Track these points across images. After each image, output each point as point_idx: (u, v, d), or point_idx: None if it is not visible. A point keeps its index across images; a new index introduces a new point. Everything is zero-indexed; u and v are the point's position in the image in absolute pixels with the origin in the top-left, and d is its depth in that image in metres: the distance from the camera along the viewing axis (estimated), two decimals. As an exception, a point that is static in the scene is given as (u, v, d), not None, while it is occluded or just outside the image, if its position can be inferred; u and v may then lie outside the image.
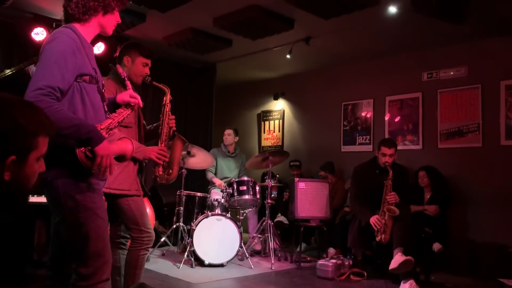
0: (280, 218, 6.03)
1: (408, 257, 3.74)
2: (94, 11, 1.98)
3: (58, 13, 4.77)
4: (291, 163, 6.45)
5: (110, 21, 2.06)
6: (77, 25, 1.98)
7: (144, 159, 2.68)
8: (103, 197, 2.05)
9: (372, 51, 5.81)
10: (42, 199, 3.56)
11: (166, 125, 2.80)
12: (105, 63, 2.84)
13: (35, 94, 1.73)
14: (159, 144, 2.77)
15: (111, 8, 2.02)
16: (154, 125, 3.00)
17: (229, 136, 5.77)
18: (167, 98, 2.83)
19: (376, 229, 4.10)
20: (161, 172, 2.77)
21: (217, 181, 5.50)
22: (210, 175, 5.65)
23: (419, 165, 5.17)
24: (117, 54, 5.10)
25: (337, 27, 4.90)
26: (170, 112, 2.83)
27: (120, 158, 2.00)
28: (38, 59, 1.89)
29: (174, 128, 2.85)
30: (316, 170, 6.21)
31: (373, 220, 4.12)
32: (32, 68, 4.09)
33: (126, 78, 2.38)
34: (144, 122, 2.95)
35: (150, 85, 2.84)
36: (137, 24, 4.91)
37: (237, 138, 5.85)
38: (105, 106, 2.07)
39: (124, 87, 2.73)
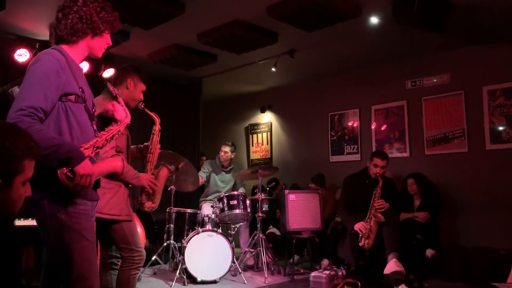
0: (272, 229, 6.00)
1: (401, 269, 3.81)
2: (83, 33, 1.98)
3: (41, 34, 4.78)
4: (268, 186, 6.32)
5: (99, 44, 2.06)
6: (65, 47, 1.98)
7: (138, 185, 2.72)
8: (93, 218, 2.01)
9: (356, 61, 5.88)
10: (29, 222, 3.50)
11: (156, 154, 2.84)
12: (90, 82, 2.84)
13: (16, 115, 1.72)
14: (148, 172, 2.80)
15: (100, 31, 2.02)
16: (140, 146, 3.02)
17: (225, 154, 5.67)
18: (157, 127, 2.86)
19: (360, 235, 4.15)
20: (144, 200, 2.81)
21: (200, 179, 5.43)
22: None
23: (407, 173, 5.21)
24: (102, 72, 5.10)
25: (321, 39, 4.95)
26: (157, 142, 2.87)
27: (113, 176, 1.97)
28: (22, 81, 1.87)
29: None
30: (305, 182, 6.22)
31: (358, 226, 4.20)
32: (15, 90, 4.05)
33: (118, 95, 2.36)
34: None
35: (142, 111, 2.87)
36: (121, 42, 4.90)
37: (234, 154, 5.78)
38: (94, 125, 2.04)
39: None
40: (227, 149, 5.68)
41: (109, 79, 2.91)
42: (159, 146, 2.89)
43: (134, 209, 2.85)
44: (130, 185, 2.74)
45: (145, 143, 3.00)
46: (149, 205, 2.84)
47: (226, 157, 5.69)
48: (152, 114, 2.87)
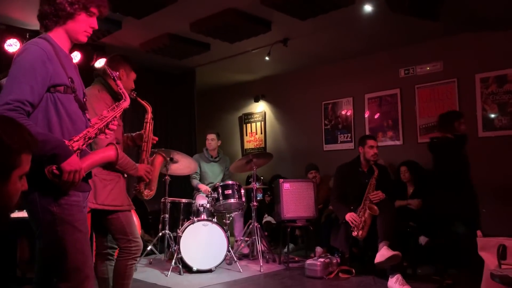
0: (268, 218, 6.03)
1: (396, 252, 3.76)
2: (53, 16, 1.91)
3: (31, 23, 4.71)
4: (273, 184, 6.19)
5: (76, 28, 1.95)
6: (51, 34, 1.93)
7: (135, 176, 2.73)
8: (85, 209, 1.99)
9: (349, 50, 5.87)
10: (24, 214, 3.49)
11: (150, 143, 2.84)
12: (82, 72, 2.82)
13: (2, 110, 1.68)
14: (144, 161, 2.80)
15: (67, 13, 1.90)
16: (132, 135, 3.00)
17: (212, 141, 5.71)
18: (149, 116, 2.85)
19: (352, 226, 4.16)
20: (142, 189, 2.81)
21: (202, 187, 5.47)
22: (195, 182, 5.61)
23: (400, 161, 5.24)
24: (93, 62, 5.05)
25: (314, 28, 4.93)
26: (151, 130, 2.87)
27: (109, 165, 1.95)
28: (9, 72, 1.83)
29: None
30: (299, 171, 6.24)
31: (349, 217, 4.21)
32: (4, 81, 4.00)
33: (116, 78, 2.30)
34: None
35: (134, 100, 2.83)
36: (113, 31, 4.85)
37: (219, 142, 5.82)
38: (87, 115, 2.01)
39: (118, 101, 2.71)
40: (213, 136, 5.73)
41: (101, 70, 2.88)
42: (155, 137, 2.89)
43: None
44: (126, 176, 2.75)
45: (138, 132, 2.99)
46: (148, 193, 2.85)
47: (213, 145, 5.71)
48: (143, 102, 2.85)
